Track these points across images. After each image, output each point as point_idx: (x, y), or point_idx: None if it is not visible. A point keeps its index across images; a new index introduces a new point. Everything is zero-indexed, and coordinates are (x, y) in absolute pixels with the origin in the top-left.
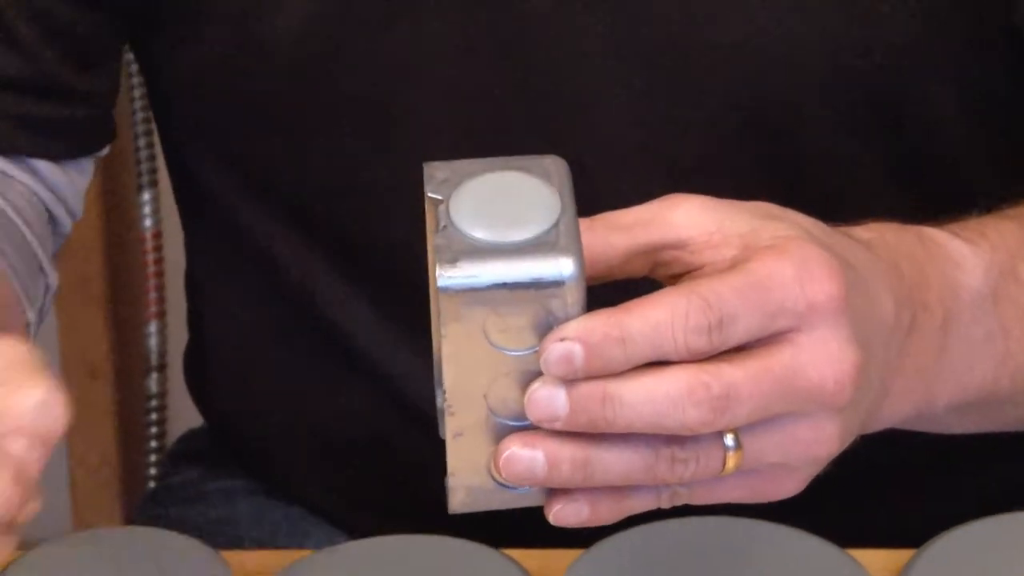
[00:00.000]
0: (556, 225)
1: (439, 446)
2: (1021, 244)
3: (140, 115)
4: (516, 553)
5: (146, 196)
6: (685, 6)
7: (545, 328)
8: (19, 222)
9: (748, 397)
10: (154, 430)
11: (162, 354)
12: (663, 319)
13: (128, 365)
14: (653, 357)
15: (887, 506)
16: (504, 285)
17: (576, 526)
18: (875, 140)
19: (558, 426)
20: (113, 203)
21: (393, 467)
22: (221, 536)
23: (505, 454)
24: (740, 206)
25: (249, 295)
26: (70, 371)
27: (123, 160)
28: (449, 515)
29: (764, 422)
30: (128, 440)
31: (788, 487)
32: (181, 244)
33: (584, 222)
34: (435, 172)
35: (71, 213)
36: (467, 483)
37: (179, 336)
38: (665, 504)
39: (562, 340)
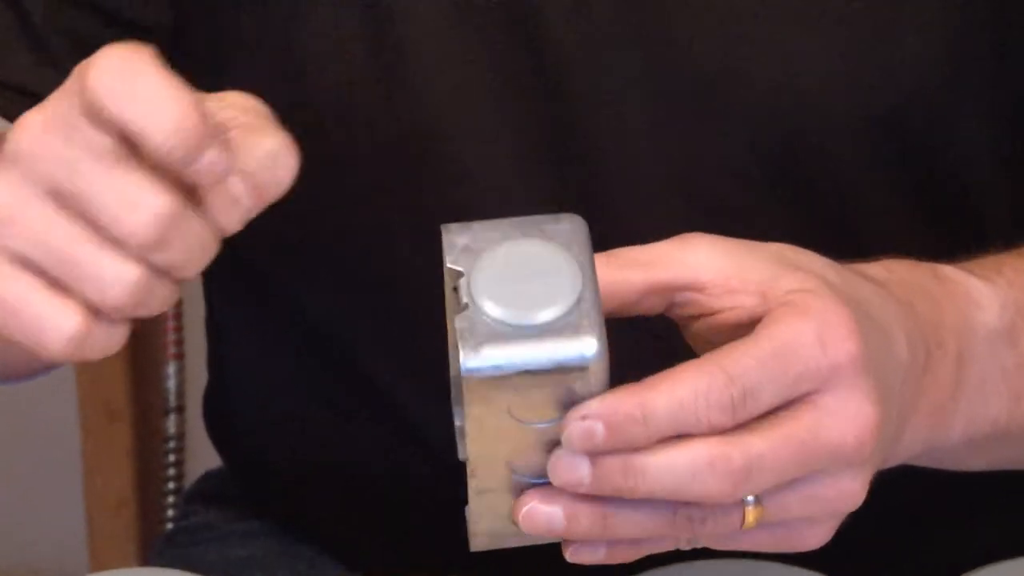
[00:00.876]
0: (578, 303)
1: (459, 488)
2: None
3: None
4: None
5: None
6: (713, 48)
7: (569, 401)
8: None
9: (770, 467)
10: (172, 471)
11: (180, 395)
12: (686, 398)
13: (146, 406)
14: (675, 433)
15: (907, 549)
16: (527, 371)
17: (592, 563)
18: (902, 183)
19: (582, 491)
20: None
21: (413, 508)
22: None
23: (525, 509)
24: (757, 250)
25: (270, 337)
26: (89, 412)
27: None
28: (468, 556)
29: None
30: (146, 481)
31: (812, 540)
32: (200, 286)
33: (600, 257)
34: (454, 239)
35: None
36: (489, 527)
37: (197, 378)
38: (684, 547)
39: (584, 419)
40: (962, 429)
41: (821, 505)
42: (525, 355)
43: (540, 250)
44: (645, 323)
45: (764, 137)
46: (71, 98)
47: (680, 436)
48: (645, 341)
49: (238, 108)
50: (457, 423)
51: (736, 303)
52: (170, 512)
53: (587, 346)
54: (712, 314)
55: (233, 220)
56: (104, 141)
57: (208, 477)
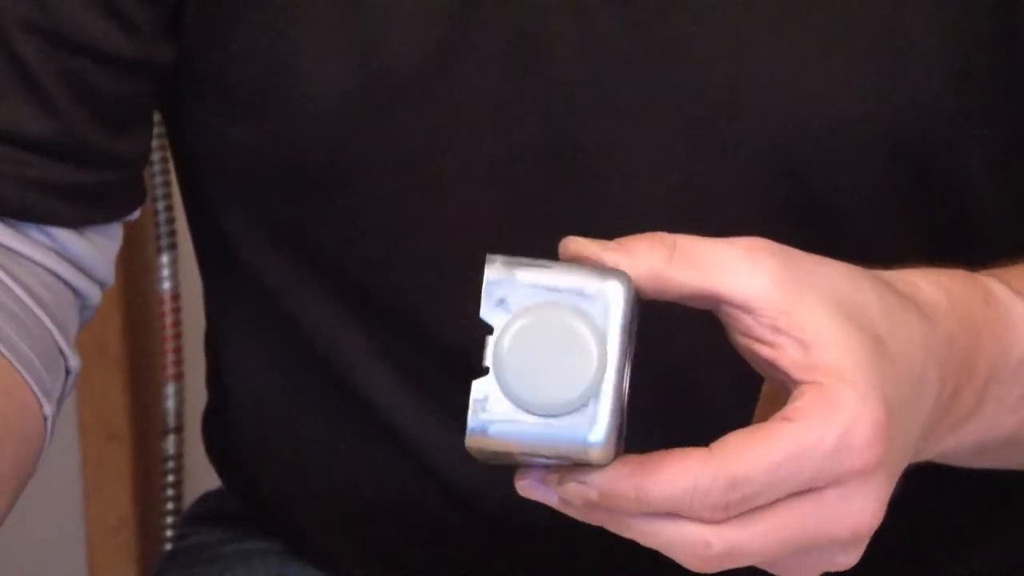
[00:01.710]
0: (594, 392)
1: (461, 511)
2: None
3: (160, 178)
4: None
5: (164, 259)
6: (721, 74)
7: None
8: (34, 307)
9: (753, 553)
10: (171, 492)
11: (179, 416)
12: (682, 494)
13: (146, 427)
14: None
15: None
16: (528, 454)
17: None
18: (908, 212)
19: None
20: (131, 266)
21: (413, 529)
22: None
23: (523, 483)
24: (814, 292)
25: (272, 358)
26: (88, 433)
27: (142, 222)
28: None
29: None
30: (145, 501)
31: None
32: (199, 306)
33: (662, 248)
34: (494, 288)
35: (99, 282)
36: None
37: (196, 398)
38: None
39: (581, 483)
40: (973, 441)
41: (806, 572)
42: (530, 440)
43: (570, 323)
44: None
45: (768, 165)
46: None
47: None
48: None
49: None
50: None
51: (780, 343)
52: (169, 532)
53: (594, 441)
54: (753, 338)
55: None
56: None
57: (207, 497)
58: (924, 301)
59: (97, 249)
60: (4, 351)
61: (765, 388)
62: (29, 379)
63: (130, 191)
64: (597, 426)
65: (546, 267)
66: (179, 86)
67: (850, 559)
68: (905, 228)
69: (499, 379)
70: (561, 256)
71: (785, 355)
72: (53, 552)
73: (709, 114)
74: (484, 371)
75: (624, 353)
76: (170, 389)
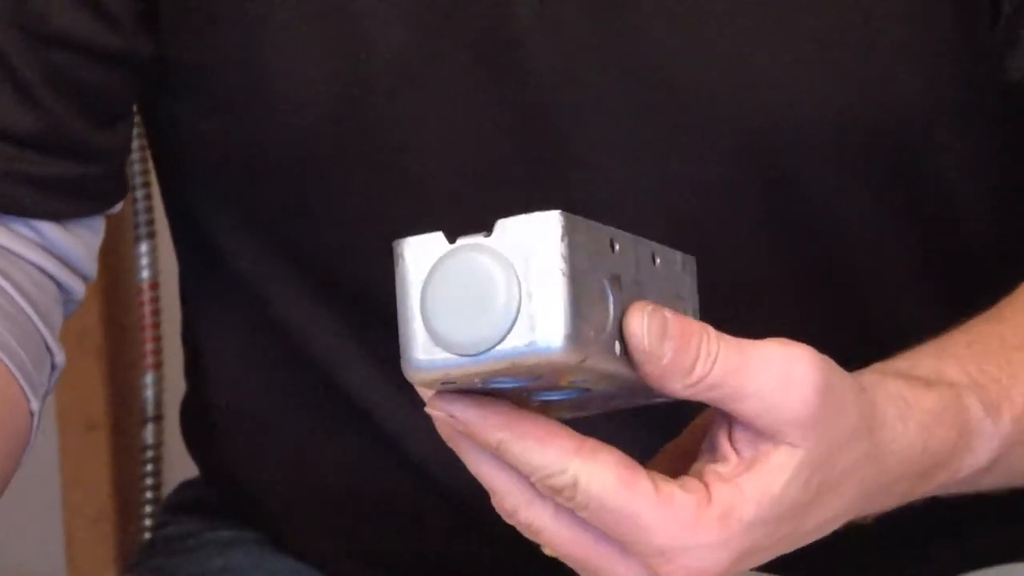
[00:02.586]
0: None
1: (439, 502)
2: None
3: (138, 167)
4: None
5: (143, 248)
6: (686, 62)
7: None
8: (23, 303)
9: (548, 541)
10: (150, 481)
11: (158, 405)
12: (532, 465)
13: (125, 416)
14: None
15: (895, 558)
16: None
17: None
18: (879, 197)
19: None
20: (110, 255)
21: (392, 521)
22: None
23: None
24: (838, 421)
25: (249, 348)
26: (67, 422)
27: (121, 212)
28: (445, 568)
29: None
30: (124, 491)
31: None
32: (178, 296)
33: (703, 360)
34: (404, 251)
35: (83, 276)
36: None
37: (175, 387)
38: None
39: (451, 417)
40: (935, 490)
41: None
42: (479, 368)
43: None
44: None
45: (739, 158)
46: None
47: None
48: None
49: None
50: None
51: (746, 439)
52: (148, 522)
53: (551, 340)
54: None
55: None
56: None
57: (186, 486)
58: (921, 405)
59: (81, 243)
60: None
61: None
62: (18, 375)
63: (113, 183)
64: (543, 331)
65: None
66: (156, 79)
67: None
68: (881, 223)
69: (425, 321)
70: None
71: (732, 453)
72: (31, 542)
73: (678, 108)
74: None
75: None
76: (149, 378)
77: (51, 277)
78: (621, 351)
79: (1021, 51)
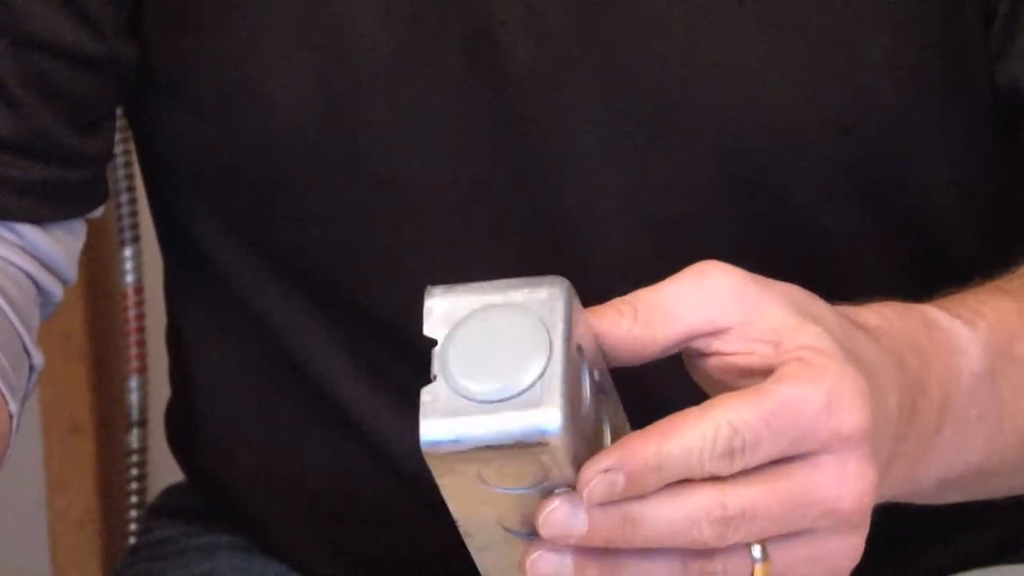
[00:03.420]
0: (542, 376)
1: (423, 506)
2: (1019, 322)
3: (122, 171)
4: None
5: (128, 252)
6: (669, 68)
7: (540, 472)
8: (3, 304)
9: (763, 515)
10: (135, 485)
11: (143, 409)
12: (694, 446)
13: (109, 420)
14: (678, 479)
15: (887, 559)
16: (488, 447)
17: None
18: (861, 203)
19: (571, 543)
20: (95, 259)
21: (376, 526)
22: None
23: (532, 557)
24: (771, 294)
25: (236, 352)
26: (51, 426)
27: (105, 216)
28: (427, 570)
29: (790, 536)
30: (109, 495)
31: (841, 564)
32: (163, 300)
33: (623, 310)
34: (434, 305)
35: (62, 279)
36: None
37: (160, 391)
38: None
39: (605, 471)
40: (935, 470)
41: (824, 561)
42: (484, 429)
43: (513, 321)
44: (636, 379)
45: (721, 159)
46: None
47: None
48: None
49: None
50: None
51: (751, 349)
52: (133, 526)
53: (548, 420)
54: (724, 355)
55: None
56: None
57: (172, 491)
58: (865, 324)
59: (61, 246)
60: None
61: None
62: None
63: (95, 187)
64: (549, 402)
65: (484, 286)
66: (142, 84)
67: (852, 544)
68: (862, 225)
69: (445, 377)
70: None
71: (759, 357)
72: (16, 546)
73: (662, 111)
74: (433, 379)
75: (569, 344)
76: (134, 382)
77: (31, 278)
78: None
79: (1011, 60)
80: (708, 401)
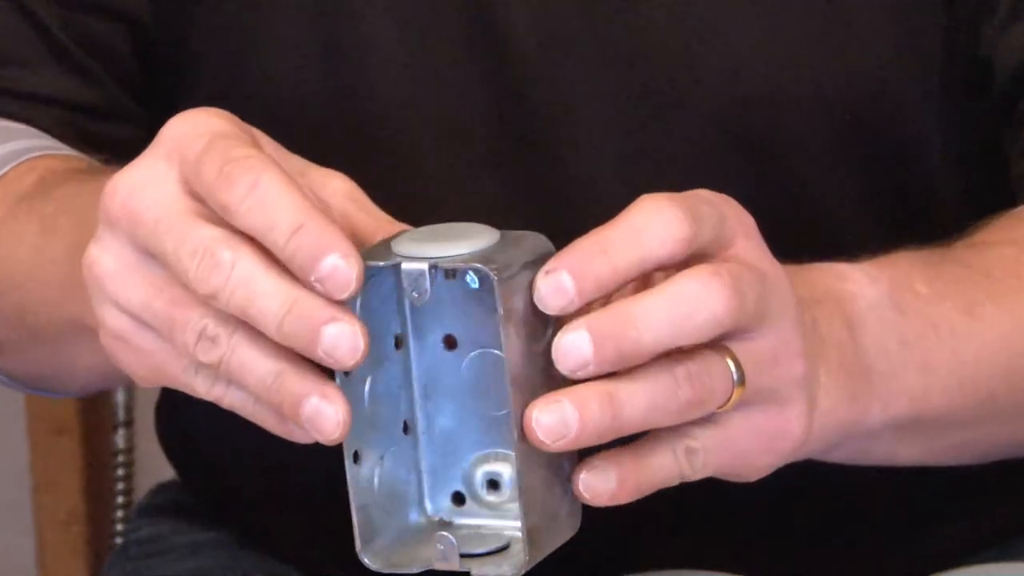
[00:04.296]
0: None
1: None
2: (914, 263)
3: None
4: None
5: None
6: (666, 46)
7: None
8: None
9: (748, 281)
10: (121, 485)
11: (129, 409)
12: (641, 224)
13: (95, 421)
14: (640, 261)
15: (849, 558)
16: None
17: (606, 501)
18: (852, 169)
19: (591, 370)
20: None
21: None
22: None
23: (534, 414)
24: (699, 210)
25: None
26: (37, 428)
27: None
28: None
29: (751, 340)
30: (95, 495)
31: (793, 427)
32: None
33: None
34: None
35: None
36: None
37: (146, 392)
38: (684, 466)
39: (547, 273)
40: (881, 408)
41: (782, 368)
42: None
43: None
44: None
45: (719, 132)
46: (168, 168)
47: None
48: None
49: (340, 195)
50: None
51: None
52: (119, 526)
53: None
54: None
55: None
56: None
57: (160, 489)
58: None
59: None
60: None
61: None
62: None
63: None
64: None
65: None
66: (152, 74)
67: (798, 342)
68: (853, 191)
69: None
70: None
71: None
72: (2, 545)
73: (659, 82)
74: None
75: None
76: None
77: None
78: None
79: (1009, 44)
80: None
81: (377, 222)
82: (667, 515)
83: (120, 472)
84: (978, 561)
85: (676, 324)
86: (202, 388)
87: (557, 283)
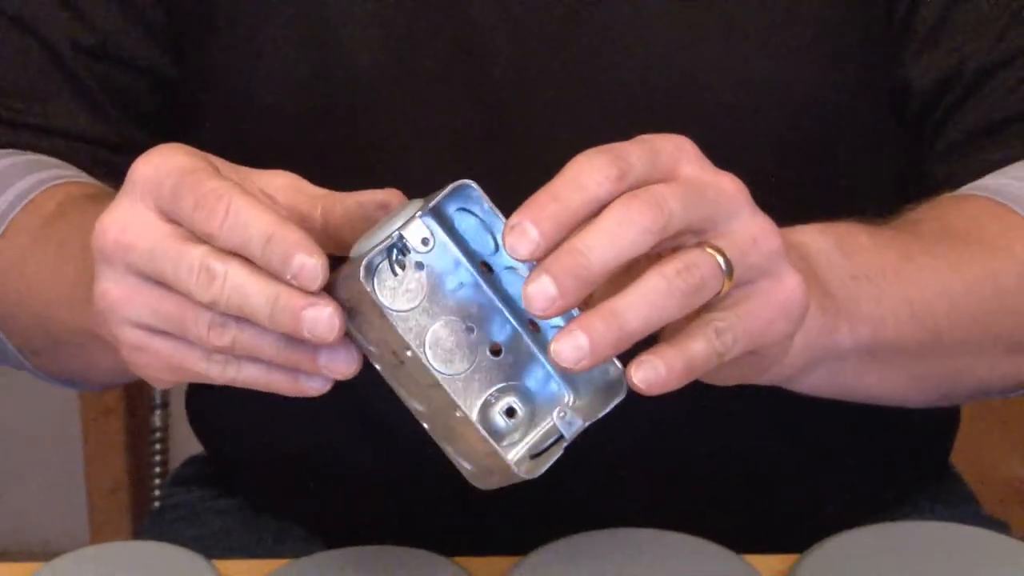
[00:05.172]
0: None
1: (414, 472)
2: (857, 225)
3: None
4: (467, 561)
5: None
6: (629, 54)
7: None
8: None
9: (673, 197)
10: (158, 458)
11: (165, 393)
12: (578, 171)
13: (136, 403)
14: (586, 197)
15: (776, 515)
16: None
17: (660, 389)
18: (796, 176)
19: (560, 304)
20: None
21: (367, 488)
22: (215, 548)
23: (553, 347)
24: (624, 150)
25: None
26: (88, 410)
27: None
28: (406, 529)
29: (723, 233)
30: (136, 467)
31: (796, 292)
32: None
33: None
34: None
35: None
36: (474, 470)
37: None
38: (718, 345)
39: (511, 227)
40: (848, 329)
41: (762, 246)
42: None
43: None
44: None
45: (674, 130)
46: (145, 206)
47: None
48: None
49: (284, 189)
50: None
51: None
52: (157, 493)
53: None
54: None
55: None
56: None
57: (189, 462)
58: None
59: None
60: None
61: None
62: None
63: None
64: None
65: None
66: (165, 111)
67: (767, 223)
68: (794, 199)
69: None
70: None
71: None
72: (59, 510)
73: (623, 98)
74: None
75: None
76: None
77: None
78: None
79: (924, 67)
80: None
81: (312, 199)
82: (613, 478)
83: (157, 447)
84: (881, 520)
85: (613, 244)
86: (217, 374)
87: (522, 231)
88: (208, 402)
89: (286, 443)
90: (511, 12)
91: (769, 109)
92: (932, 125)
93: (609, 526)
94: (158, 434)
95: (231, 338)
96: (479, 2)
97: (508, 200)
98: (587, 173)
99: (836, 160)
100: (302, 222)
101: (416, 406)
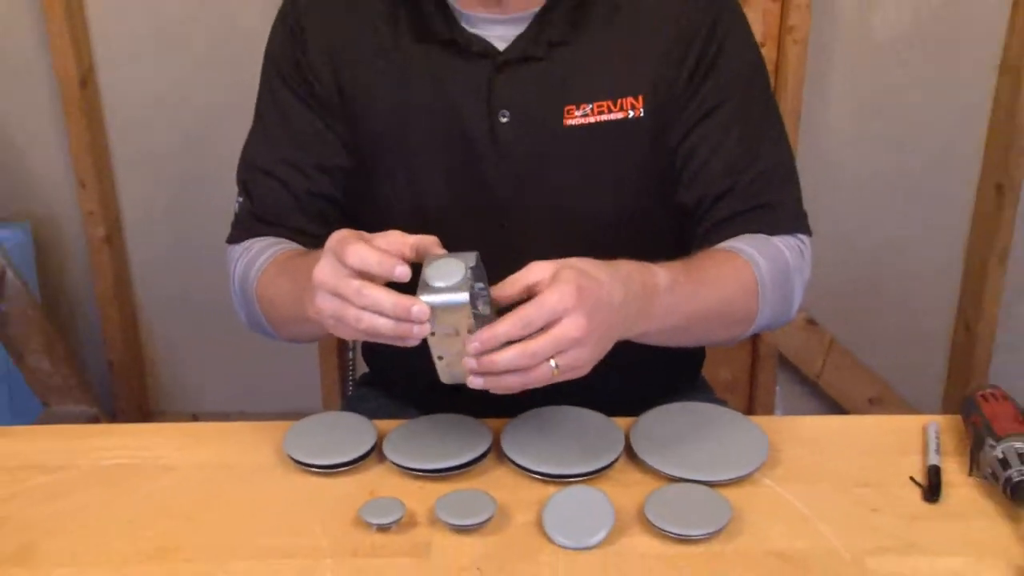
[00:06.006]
0: (462, 280)
1: (458, 388)
2: (679, 268)
3: None
4: (486, 421)
5: None
6: (551, 193)
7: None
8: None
9: (531, 313)
10: (350, 372)
11: (351, 342)
12: (507, 329)
13: (342, 344)
14: (506, 339)
15: (623, 400)
16: (444, 307)
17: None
18: (627, 244)
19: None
20: None
21: (439, 391)
22: (374, 417)
23: (471, 379)
24: (563, 263)
25: None
26: (321, 348)
27: None
28: (458, 409)
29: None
30: (341, 375)
31: (591, 354)
32: None
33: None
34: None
35: None
36: (450, 374)
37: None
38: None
39: (475, 348)
40: (658, 325)
41: (570, 336)
42: (441, 298)
43: (452, 262)
44: None
45: (559, 231)
46: (327, 256)
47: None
48: None
49: (389, 238)
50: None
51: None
52: (350, 386)
53: (463, 296)
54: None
55: None
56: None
57: (362, 378)
58: (615, 265)
59: None
60: None
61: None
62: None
63: None
64: (462, 291)
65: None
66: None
67: (583, 320)
68: (635, 254)
69: (426, 280)
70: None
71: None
72: (296, 377)
73: (559, 209)
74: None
75: (470, 274)
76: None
77: None
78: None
79: (686, 187)
80: (515, 311)
81: (406, 243)
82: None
83: (350, 364)
84: (669, 402)
85: (510, 363)
86: (358, 325)
87: (483, 343)
88: (371, 347)
89: (405, 368)
90: (488, 112)
91: (612, 216)
92: (695, 219)
93: (556, 404)
94: (350, 354)
95: (368, 323)
96: None
97: (478, 240)
98: (507, 330)
99: (646, 235)
100: (401, 253)
101: (440, 355)
